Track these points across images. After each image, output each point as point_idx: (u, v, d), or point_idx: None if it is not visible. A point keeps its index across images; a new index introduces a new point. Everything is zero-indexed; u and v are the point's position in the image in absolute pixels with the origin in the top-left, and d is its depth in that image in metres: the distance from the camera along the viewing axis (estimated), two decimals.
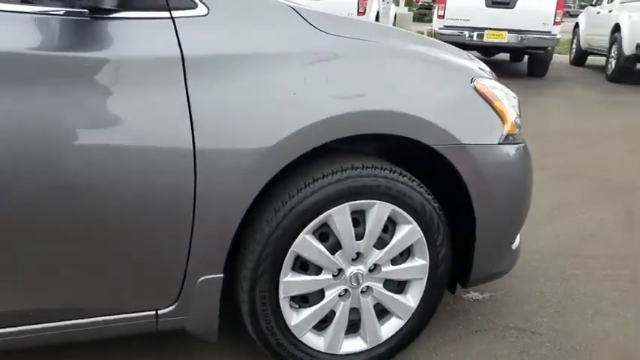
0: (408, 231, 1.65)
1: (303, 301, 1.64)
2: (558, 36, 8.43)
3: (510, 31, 8.23)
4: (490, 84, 1.75)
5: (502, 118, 1.73)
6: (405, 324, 1.75)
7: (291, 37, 1.50)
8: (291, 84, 1.45)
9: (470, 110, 1.68)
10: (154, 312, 1.48)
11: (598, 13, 10.34)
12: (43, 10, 1.30)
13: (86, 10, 1.31)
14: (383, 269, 1.67)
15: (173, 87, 1.34)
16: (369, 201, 1.58)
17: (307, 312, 1.63)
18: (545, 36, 8.29)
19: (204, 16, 1.41)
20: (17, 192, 1.26)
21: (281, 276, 1.55)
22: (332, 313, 1.66)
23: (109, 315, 1.44)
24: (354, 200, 1.56)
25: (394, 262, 1.69)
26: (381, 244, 1.65)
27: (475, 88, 1.70)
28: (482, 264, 1.81)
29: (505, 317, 2.12)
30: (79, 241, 1.34)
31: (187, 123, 1.34)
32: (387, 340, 1.74)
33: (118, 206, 1.33)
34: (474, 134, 1.66)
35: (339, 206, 1.55)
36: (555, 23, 8.27)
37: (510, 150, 1.75)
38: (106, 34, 1.33)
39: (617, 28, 8.92)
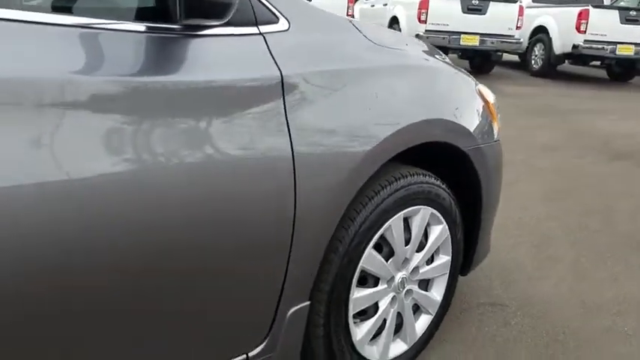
0: (441, 231, 1.74)
1: (359, 314, 1.62)
2: None
3: None
4: (483, 87, 1.91)
5: (493, 117, 1.91)
6: (433, 318, 1.84)
7: (361, 51, 1.47)
8: (370, 96, 1.42)
9: (480, 113, 1.82)
10: (244, 356, 1.34)
11: (372, 6, 11.35)
12: (113, 26, 1.08)
13: (177, 26, 1.12)
14: (420, 270, 1.74)
15: (274, 109, 1.22)
16: (415, 207, 1.63)
17: (368, 325, 1.62)
18: None
19: (286, 31, 1.30)
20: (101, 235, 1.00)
21: (350, 294, 1.52)
22: (384, 321, 1.67)
23: None
24: (406, 208, 1.60)
25: (428, 261, 1.76)
26: (419, 246, 1.70)
27: (479, 92, 1.84)
28: (480, 250, 1.98)
29: (472, 295, 2.33)
30: (159, 285, 1.07)
31: (288, 149, 1.23)
32: (420, 337, 1.82)
33: (212, 239, 1.13)
34: (484, 135, 1.80)
35: (396, 216, 1.57)
36: (348, 15, 8.93)
37: (499, 145, 1.94)
38: (202, 53, 1.15)
39: (394, 20, 9.93)
